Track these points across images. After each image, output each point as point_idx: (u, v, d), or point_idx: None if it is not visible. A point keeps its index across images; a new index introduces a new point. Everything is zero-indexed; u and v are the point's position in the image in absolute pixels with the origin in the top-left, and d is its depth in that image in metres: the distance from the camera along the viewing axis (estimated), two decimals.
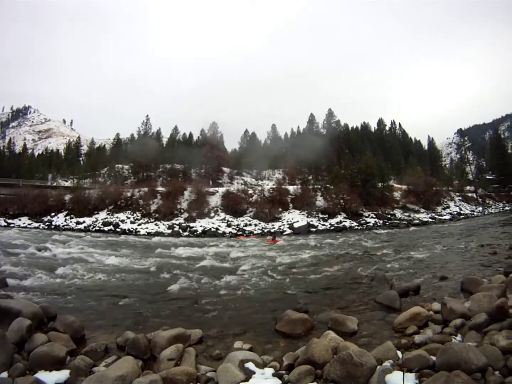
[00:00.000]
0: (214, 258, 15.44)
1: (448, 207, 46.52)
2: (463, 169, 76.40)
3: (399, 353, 4.42)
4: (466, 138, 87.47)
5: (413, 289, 7.95)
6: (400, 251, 15.60)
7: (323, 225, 34.43)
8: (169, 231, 32.50)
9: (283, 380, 4.14)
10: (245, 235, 30.48)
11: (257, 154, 78.10)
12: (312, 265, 13.34)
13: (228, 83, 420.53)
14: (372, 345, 5.03)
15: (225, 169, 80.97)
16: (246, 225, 34.34)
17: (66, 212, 38.08)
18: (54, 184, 58.91)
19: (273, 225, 34.19)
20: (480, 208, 50.74)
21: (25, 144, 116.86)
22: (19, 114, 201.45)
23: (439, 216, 40.57)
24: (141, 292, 9.31)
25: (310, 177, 61.11)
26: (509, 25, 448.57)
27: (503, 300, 5.09)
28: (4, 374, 4.10)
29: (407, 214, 39.70)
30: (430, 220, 38.08)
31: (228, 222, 34.91)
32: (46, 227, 34.53)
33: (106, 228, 33.71)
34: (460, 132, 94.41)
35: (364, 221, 35.76)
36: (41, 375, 4.16)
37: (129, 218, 36.47)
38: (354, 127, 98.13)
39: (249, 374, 4.29)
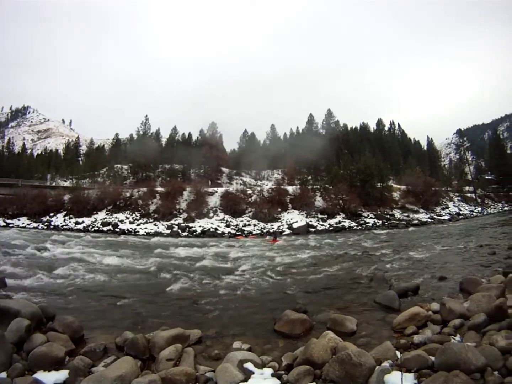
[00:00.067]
0: (213, 258, 15.44)
1: (447, 208, 46.51)
2: (462, 170, 76.34)
3: (398, 353, 4.42)
4: (465, 139, 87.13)
5: (412, 289, 7.96)
6: (399, 251, 15.61)
7: (322, 225, 34.42)
8: (168, 231, 32.46)
9: (282, 380, 4.14)
10: (244, 235, 30.45)
11: (256, 155, 78.02)
12: (311, 265, 13.35)
13: (228, 83, 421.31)
14: (371, 345, 5.03)
15: (224, 169, 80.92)
16: (245, 225, 34.30)
17: (65, 212, 38.02)
18: (53, 184, 58.82)
19: (272, 225, 34.15)
20: (479, 209, 50.73)
21: (24, 144, 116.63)
22: (18, 114, 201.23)
23: (438, 216, 40.54)
24: (140, 292, 9.31)
25: (309, 178, 61.06)
26: (509, 25, 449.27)
27: (502, 300, 5.10)
28: (3, 374, 4.10)
29: (406, 214, 39.67)
30: (429, 220, 38.06)
31: (227, 222, 34.88)
32: (45, 227, 34.48)
33: (105, 228, 33.66)
34: (459, 133, 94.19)
35: (363, 221, 35.74)
36: (40, 375, 4.17)
37: (128, 218, 36.42)
38: (353, 127, 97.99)
39: (248, 374, 4.29)
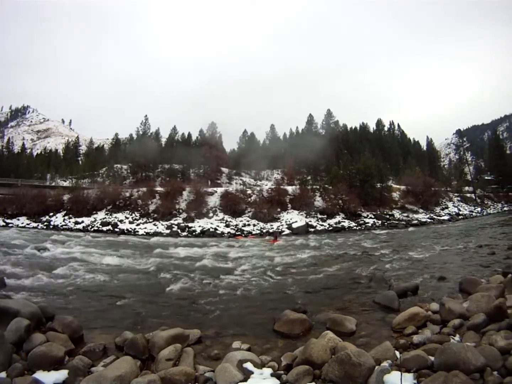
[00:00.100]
0: (212, 258, 15.43)
1: (447, 208, 46.51)
2: (462, 170, 76.30)
3: (397, 353, 4.43)
4: (464, 139, 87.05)
5: (412, 290, 7.97)
6: (399, 251, 15.62)
7: (321, 225, 34.41)
8: (168, 231, 32.44)
9: (281, 380, 4.14)
10: (243, 235, 30.44)
11: (256, 155, 78.03)
12: (311, 265, 13.36)
13: (228, 83, 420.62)
14: (371, 345, 5.04)
15: (223, 169, 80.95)
16: (244, 225, 34.30)
17: (65, 212, 37.97)
18: (53, 184, 58.73)
19: (271, 225, 34.14)
20: (479, 209, 50.73)
21: (23, 144, 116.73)
22: (18, 113, 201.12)
23: (437, 216, 40.55)
24: (140, 292, 9.31)
25: (309, 178, 61.06)
26: (509, 25, 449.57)
27: (501, 300, 5.11)
28: (3, 374, 4.10)
29: (405, 214, 39.66)
30: (429, 220, 38.06)
31: (227, 222, 34.88)
32: (45, 227, 34.42)
33: (104, 228, 33.64)
34: (459, 133, 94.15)
35: (362, 222, 35.75)
36: (40, 375, 4.17)
37: (127, 218, 36.40)
38: (353, 127, 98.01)
39: (247, 374, 4.29)
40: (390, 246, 18.25)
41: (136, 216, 36.80)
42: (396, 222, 36.08)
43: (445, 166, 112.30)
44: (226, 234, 31.23)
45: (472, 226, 28.91)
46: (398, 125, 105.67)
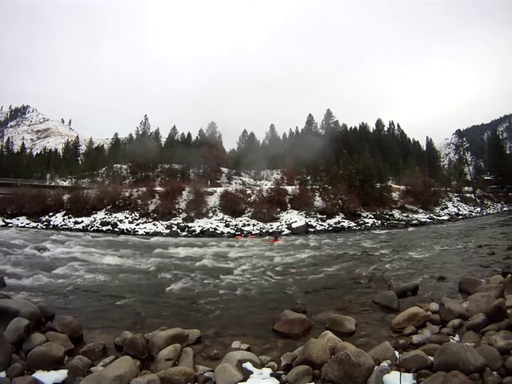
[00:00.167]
0: (212, 258, 15.43)
1: (447, 208, 46.52)
2: (462, 170, 76.32)
3: (397, 353, 4.42)
4: (464, 139, 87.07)
5: (411, 290, 7.97)
6: (398, 252, 15.62)
7: (321, 225, 34.40)
8: (167, 231, 32.43)
9: (281, 380, 4.14)
10: (243, 235, 30.41)
11: (255, 154, 78.07)
12: (310, 265, 13.36)
13: (228, 83, 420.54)
14: (370, 345, 5.04)
15: (223, 169, 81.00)
16: (244, 225, 34.29)
17: (64, 212, 37.94)
18: (52, 183, 58.69)
19: (271, 225, 34.12)
20: (478, 209, 50.73)
21: (23, 144, 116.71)
22: (18, 113, 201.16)
23: (437, 216, 40.55)
24: (139, 292, 9.31)
25: (309, 178, 61.07)
26: (509, 25, 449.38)
27: (501, 300, 5.11)
28: (2, 374, 4.10)
29: (405, 214, 39.66)
30: (428, 220, 38.06)
31: (226, 222, 34.87)
32: (44, 227, 34.40)
33: (104, 228, 33.62)
34: (459, 133, 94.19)
35: (362, 222, 35.73)
36: (39, 375, 4.17)
37: (127, 218, 36.38)
38: (353, 127, 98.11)
39: (247, 374, 4.29)
40: (389, 246, 18.26)
41: (136, 216, 36.79)
42: (396, 222, 36.08)
43: (445, 166, 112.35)
44: (225, 234, 31.22)
45: (472, 226, 28.91)
46: (398, 125, 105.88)
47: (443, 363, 3.69)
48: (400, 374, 3.60)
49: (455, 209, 46.68)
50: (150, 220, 35.84)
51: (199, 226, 33.36)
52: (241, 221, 35.34)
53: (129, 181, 65.99)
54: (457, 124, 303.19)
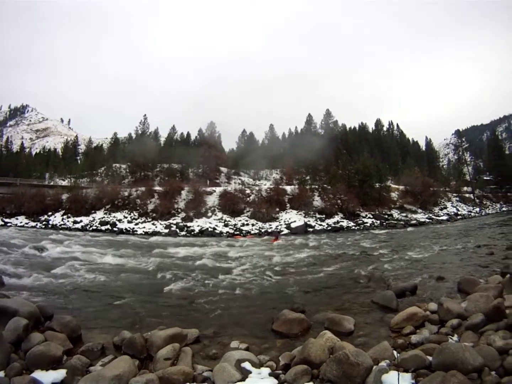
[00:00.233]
0: (211, 258, 15.43)
1: (446, 208, 46.57)
2: (461, 170, 76.47)
3: (395, 353, 4.43)
4: (463, 139, 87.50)
5: (410, 289, 7.97)
6: (397, 251, 15.63)
7: (320, 225, 34.41)
8: (166, 230, 32.43)
9: (279, 380, 4.15)
10: (242, 235, 30.42)
11: (255, 154, 78.06)
12: (309, 265, 13.38)
13: (227, 83, 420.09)
14: (369, 345, 5.04)
15: (222, 168, 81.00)
16: (243, 225, 34.31)
17: (63, 211, 37.93)
18: (52, 183, 58.65)
19: (270, 225, 34.14)
20: (477, 209, 50.78)
21: (22, 143, 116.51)
22: (17, 112, 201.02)
23: (436, 216, 40.59)
24: (138, 291, 9.30)
25: (308, 177, 61.11)
26: (509, 25, 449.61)
27: (499, 300, 5.12)
28: (1, 374, 4.10)
29: (404, 214, 39.70)
30: (427, 220, 38.10)
31: (226, 222, 34.88)
32: (43, 226, 34.38)
33: (103, 228, 33.60)
34: (458, 133, 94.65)
35: (361, 221, 35.76)
36: (38, 374, 4.16)
37: (126, 217, 36.37)
38: (352, 127, 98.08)
39: (245, 373, 4.29)
40: (388, 246, 18.27)
41: (135, 215, 36.79)
42: (395, 222, 36.11)
43: (444, 166, 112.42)
44: (224, 234, 31.26)
45: (471, 226, 28.93)
46: (397, 125, 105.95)
47: (441, 363, 3.69)
48: (398, 374, 3.61)
49: (454, 209, 46.74)
50: (149, 219, 35.84)
51: (198, 225, 33.37)
52: (240, 220, 35.36)
53: (128, 180, 65.91)
54: (457, 124, 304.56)
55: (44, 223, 35.47)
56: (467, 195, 57.98)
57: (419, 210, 42.10)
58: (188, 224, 33.84)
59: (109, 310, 7.59)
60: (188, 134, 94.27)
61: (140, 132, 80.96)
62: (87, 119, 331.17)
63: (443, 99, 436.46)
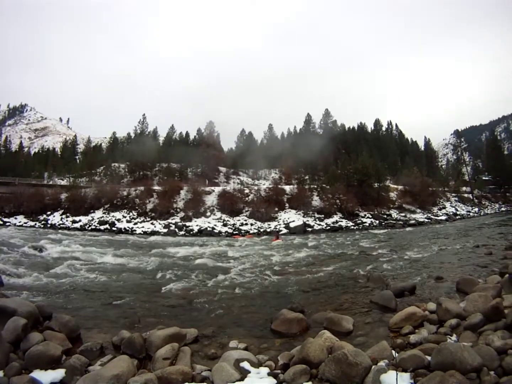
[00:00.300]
0: (210, 258, 15.46)
1: (444, 208, 46.68)
2: (460, 170, 76.75)
3: (394, 353, 4.42)
4: (462, 139, 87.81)
5: (409, 289, 7.97)
6: (396, 251, 15.62)
7: (319, 225, 34.47)
8: (165, 230, 32.48)
9: (278, 380, 4.14)
10: (241, 234, 30.46)
11: (254, 154, 78.12)
12: (308, 265, 13.38)
13: (227, 83, 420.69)
14: (368, 345, 5.04)
15: (221, 168, 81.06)
16: (242, 224, 34.36)
17: (62, 211, 37.98)
18: (50, 182, 58.70)
19: (269, 224, 34.21)
20: (476, 209, 50.93)
21: (21, 142, 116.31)
22: (16, 112, 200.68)
23: (435, 216, 40.69)
24: (137, 291, 9.30)
25: (307, 177, 61.24)
26: (509, 25, 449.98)
27: (498, 300, 5.11)
28: (0, 373, 4.09)
29: (403, 214, 39.77)
30: (426, 220, 38.20)
31: (224, 222, 34.93)
32: (42, 226, 34.42)
33: (102, 227, 33.64)
34: (457, 133, 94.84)
35: (360, 221, 35.82)
36: (37, 374, 4.15)
37: (125, 217, 36.40)
38: (351, 127, 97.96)
39: (244, 373, 4.29)
40: (387, 246, 18.27)
41: (134, 215, 36.84)
42: (394, 222, 36.20)
43: (443, 166, 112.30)
44: (223, 234, 31.35)
45: (470, 226, 28.96)
46: (396, 125, 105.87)
47: (440, 362, 3.69)
48: (397, 374, 3.60)
49: (453, 209, 46.86)
50: (148, 219, 35.90)
51: (197, 225, 33.42)
52: (239, 220, 35.42)
53: (127, 180, 65.82)
54: (456, 125, 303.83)
55: (43, 222, 35.52)
56: (466, 195, 58.11)
57: (418, 210, 42.21)
58: (187, 223, 33.89)
59: (108, 310, 7.58)
60: (187, 134, 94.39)
61: (139, 131, 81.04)
62: (86, 118, 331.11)
63: (443, 99, 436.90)
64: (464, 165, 76.06)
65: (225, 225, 34.04)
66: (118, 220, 35.59)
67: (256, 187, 45.50)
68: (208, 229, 32.38)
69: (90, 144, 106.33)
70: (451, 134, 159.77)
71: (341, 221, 35.70)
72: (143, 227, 33.75)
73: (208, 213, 36.98)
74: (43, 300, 7.75)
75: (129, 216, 36.49)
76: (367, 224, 34.80)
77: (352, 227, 34.10)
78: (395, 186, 48.80)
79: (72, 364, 4.43)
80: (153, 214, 36.60)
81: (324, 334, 5.17)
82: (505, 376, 3.51)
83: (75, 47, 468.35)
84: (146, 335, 5.40)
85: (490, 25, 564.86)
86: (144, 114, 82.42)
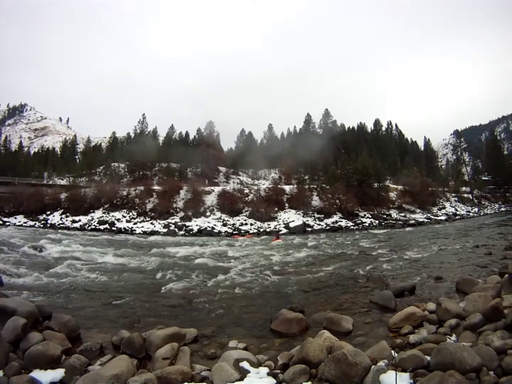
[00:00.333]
0: (209, 257, 15.46)
1: (444, 208, 46.70)
2: (459, 170, 76.78)
3: (393, 353, 4.42)
4: (462, 139, 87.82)
5: (408, 289, 7.97)
6: (396, 251, 15.62)
7: (318, 224, 34.50)
8: (165, 230, 32.49)
9: (277, 379, 4.14)
10: (241, 234, 30.45)
11: (253, 154, 78.15)
12: (308, 265, 13.38)
13: (226, 83, 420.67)
14: (367, 345, 5.04)
15: (221, 168, 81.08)
16: (242, 224, 34.37)
17: (62, 210, 38.00)
18: (50, 182, 58.73)
19: (269, 224, 34.23)
20: (476, 209, 50.95)
21: (21, 142, 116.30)
22: (15, 111, 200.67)
23: (434, 216, 40.72)
24: (137, 291, 9.30)
25: (306, 177, 61.32)
26: (509, 25, 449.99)
27: (498, 300, 5.11)
28: (0, 373, 4.09)
29: (402, 214, 39.79)
30: (426, 220, 38.22)
31: (224, 221, 34.94)
32: (42, 226, 34.44)
33: (101, 227, 33.67)
34: (457, 133, 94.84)
35: (359, 221, 35.84)
36: (36, 374, 4.16)
37: (124, 217, 36.42)
38: (351, 127, 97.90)
39: (243, 373, 4.29)
40: (387, 246, 18.28)
41: (133, 214, 36.85)
42: (393, 222, 36.23)
43: (443, 166, 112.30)
44: (223, 233, 31.37)
45: (469, 226, 28.95)
46: (396, 125, 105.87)
47: (439, 362, 3.69)
48: (396, 374, 3.60)
49: (453, 209, 46.88)
50: (148, 219, 35.91)
51: (197, 225, 33.44)
52: (239, 220, 35.44)
53: (127, 180, 65.83)
54: (455, 125, 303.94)
55: (42, 222, 35.55)
56: (465, 195, 58.14)
57: (418, 210, 42.23)
58: (187, 223, 33.91)
59: (108, 310, 7.58)
60: (187, 134, 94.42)
61: (138, 131, 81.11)
62: (86, 118, 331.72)
63: (443, 99, 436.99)
64: (463, 165, 76.10)
65: (224, 225, 34.05)
66: (118, 220, 35.60)
67: (255, 187, 45.51)
68: (208, 229, 32.39)
69: (90, 144, 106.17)
70: (451, 134, 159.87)
71: (341, 221, 35.72)
72: (142, 227, 33.77)
73: (208, 213, 36.99)
74: (42, 300, 7.76)
75: (129, 216, 36.50)
76: (366, 224, 34.83)
77: (352, 227, 34.13)
78: (395, 186, 48.84)
79: (72, 364, 4.43)
80: (152, 214, 36.62)
81: (323, 334, 5.17)
82: (505, 376, 3.51)
83: (75, 47, 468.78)
84: (146, 335, 5.40)
85: (490, 25, 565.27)
86: (144, 114, 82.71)
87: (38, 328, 5.43)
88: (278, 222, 35.00)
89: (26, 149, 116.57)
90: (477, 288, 6.57)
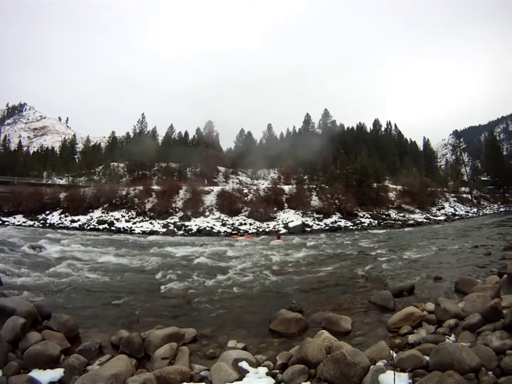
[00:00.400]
0: (208, 257, 15.43)
1: (443, 208, 46.73)
2: (458, 170, 76.73)
3: (392, 353, 4.42)
4: (461, 140, 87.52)
5: (407, 289, 7.98)
6: (395, 251, 15.63)
7: (318, 224, 34.51)
8: (164, 229, 32.49)
9: (276, 379, 4.14)
10: (240, 234, 30.45)
11: (253, 154, 78.14)
12: (307, 265, 13.38)
13: (226, 83, 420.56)
14: (366, 345, 5.04)
15: (220, 168, 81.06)
16: (241, 224, 34.37)
17: (61, 210, 37.99)
18: (49, 182, 58.71)
19: (268, 224, 34.23)
20: (475, 209, 50.99)
21: (20, 142, 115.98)
22: (15, 111, 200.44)
23: (434, 216, 40.74)
24: (136, 291, 9.29)
25: (305, 177, 61.28)
26: (509, 26, 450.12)
27: (497, 300, 5.12)
28: None
29: (402, 214, 39.80)
30: (425, 220, 38.25)
31: (223, 221, 34.94)
32: (41, 225, 34.43)
33: (100, 227, 33.67)
34: (456, 134, 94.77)
35: (359, 221, 35.84)
36: (35, 373, 4.16)
37: (124, 216, 36.42)
38: (350, 127, 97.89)
39: (242, 373, 4.30)
40: (386, 246, 18.28)
41: (133, 214, 36.85)
42: (393, 222, 36.26)
43: (442, 166, 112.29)
44: (222, 233, 31.36)
45: (468, 226, 28.95)
46: (395, 125, 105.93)
47: (438, 363, 3.70)
48: (395, 374, 3.60)
49: (452, 210, 46.91)
50: (147, 218, 35.91)
51: (196, 225, 33.43)
52: (238, 220, 35.43)
53: (126, 179, 65.78)
54: (455, 125, 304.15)
55: (41, 222, 35.54)
56: (464, 195, 58.16)
57: (417, 210, 42.25)
58: (186, 223, 33.90)
59: (107, 309, 7.58)
60: (186, 134, 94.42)
61: (138, 131, 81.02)
62: (85, 118, 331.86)
63: (442, 99, 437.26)
64: (463, 166, 75.96)
65: (224, 225, 34.06)
66: (117, 219, 35.60)
67: (255, 187, 45.46)
68: (207, 228, 32.38)
69: (89, 144, 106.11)
70: (450, 135, 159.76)
71: (340, 221, 35.73)
72: (142, 226, 33.77)
73: (207, 213, 37.00)
74: (42, 299, 7.75)
75: (128, 216, 36.50)
76: (366, 224, 34.85)
77: (351, 227, 34.15)
78: (394, 186, 48.87)
79: (71, 364, 4.44)
80: (152, 214, 36.62)
81: (322, 334, 5.18)
82: (504, 377, 3.51)
83: (75, 47, 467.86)
84: (145, 335, 5.40)
85: (490, 25, 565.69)
86: (143, 114, 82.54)
87: (37, 328, 5.43)
88: (277, 222, 35.00)
89: (25, 148, 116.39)
90: (476, 288, 6.58)
